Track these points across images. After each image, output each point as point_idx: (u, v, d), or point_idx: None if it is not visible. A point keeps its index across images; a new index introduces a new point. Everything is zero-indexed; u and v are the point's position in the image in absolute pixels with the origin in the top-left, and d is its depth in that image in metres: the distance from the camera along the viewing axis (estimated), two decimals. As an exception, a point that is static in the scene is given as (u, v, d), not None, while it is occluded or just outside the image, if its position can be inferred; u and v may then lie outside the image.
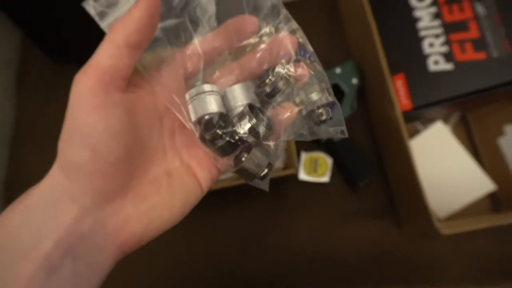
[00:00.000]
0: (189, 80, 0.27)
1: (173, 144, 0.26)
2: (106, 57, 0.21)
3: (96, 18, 0.25)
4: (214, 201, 0.61)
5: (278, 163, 0.55)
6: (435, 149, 0.60)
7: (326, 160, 0.62)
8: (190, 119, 0.25)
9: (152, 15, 0.22)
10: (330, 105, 0.27)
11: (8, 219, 0.21)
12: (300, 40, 0.27)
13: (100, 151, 0.21)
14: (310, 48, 0.27)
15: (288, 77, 0.26)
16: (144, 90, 0.25)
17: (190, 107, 0.25)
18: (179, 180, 0.25)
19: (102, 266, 0.22)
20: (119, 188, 0.22)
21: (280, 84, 0.26)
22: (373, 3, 0.57)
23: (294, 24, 0.27)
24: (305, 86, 0.27)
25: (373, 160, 0.64)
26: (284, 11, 0.27)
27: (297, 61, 0.27)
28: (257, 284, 0.61)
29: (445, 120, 0.64)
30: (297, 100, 0.27)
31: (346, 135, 0.27)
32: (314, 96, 0.26)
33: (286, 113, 0.26)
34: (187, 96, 0.25)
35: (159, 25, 0.25)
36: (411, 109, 0.55)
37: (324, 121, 0.27)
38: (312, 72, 0.27)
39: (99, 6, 0.25)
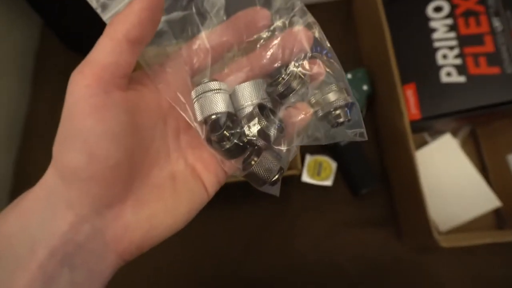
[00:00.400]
0: (195, 77, 0.25)
1: (177, 145, 0.25)
2: (104, 53, 0.20)
3: (98, 10, 0.23)
4: (216, 199, 0.61)
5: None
6: (442, 161, 0.59)
7: (330, 164, 0.62)
8: (195, 119, 0.23)
9: (154, 8, 0.20)
10: (349, 106, 0.25)
11: (2, 226, 0.20)
12: (317, 35, 0.25)
13: (98, 155, 0.19)
14: (327, 44, 0.25)
15: (302, 76, 0.24)
16: (147, 87, 0.23)
17: (196, 106, 0.23)
18: (184, 184, 0.23)
19: (101, 276, 0.21)
20: (118, 193, 0.21)
21: (294, 84, 0.24)
22: (389, 10, 0.57)
23: (310, 18, 0.25)
24: (322, 85, 0.25)
25: (378, 169, 0.63)
26: (299, 3, 0.25)
27: (312, 58, 0.25)
28: (256, 285, 0.61)
29: (454, 133, 0.64)
30: (313, 100, 0.25)
31: (366, 138, 0.25)
32: (331, 96, 0.24)
33: (300, 114, 0.24)
34: (193, 94, 0.23)
35: (164, 17, 0.24)
36: (420, 119, 0.54)
37: (342, 123, 0.25)
38: (329, 70, 0.25)
39: None
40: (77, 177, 0.19)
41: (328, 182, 0.61)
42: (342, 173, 0.63)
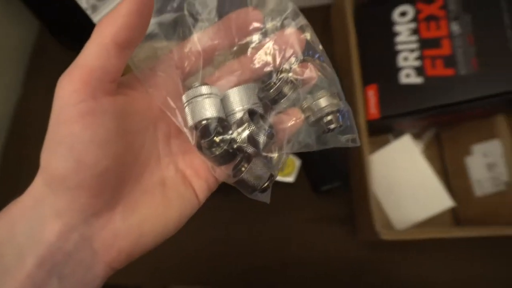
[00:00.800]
0: (186, 81, 0.24)
1: (168, 150, 0.24)
2: (92, 57, 0.19)
3: (88, 12, 0.24)
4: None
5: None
6: (400, 161, 0.60)
7: (293, 161, 0.63)
8: (186, 124, 0.23)
9: (143, 11, 0.19)
10: (341, 111, 0.25)
11: None
12: (309, 37, 0.24)
13: (86, 162, 0.19)
14: (320, 47, 0.25)
15: (294, 81, 0.24)
16: (137, 91, 0.23)
17: (186, 110, 0.23)
18: (174, 190, 0.23)
19: (91, 285, 0.20)
20: (107, 201, 0.21)
21: (286, 89, 0.24)
22: (358, 16, 0.59)
23: (303, 20, 0.24)
24: (313, 90, 0.24)
25: (343, 167, 0.64)
26: (291, 5, 0.24)
27: (304, 62, 0.24)
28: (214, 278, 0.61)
29: (419, 136, 0.65)
30: (304, 105, 0.24)
31: (358, 144, 0.25)
32: (323, 101, 0.24)
33: (291, 120, 0.24)
34: (183, 99, 0.23)
35: (155, 19, 0.24)
36: (379, 118, 0.56)
37: (333, 129, 0.24)
38: (321, 74, 0.24)
39: None
40: (65, 185, 0.19)
41: (290, 179, 0.62)
42: (305, 171, 0.64)
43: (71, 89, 0.19)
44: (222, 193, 0.62)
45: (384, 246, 0.57)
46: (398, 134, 0.64)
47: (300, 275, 0.61)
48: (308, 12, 0.78)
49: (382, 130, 0.62)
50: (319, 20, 0.75)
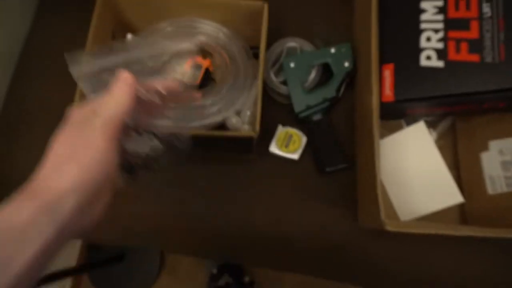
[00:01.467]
0: None
1: None
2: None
3: (78, 82, 0.34)
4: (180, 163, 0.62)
5: (245, 129, 0.55)
6: (412, 149, 0.57)
7: (300, 138, 0.61)
8: None
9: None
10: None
11: None
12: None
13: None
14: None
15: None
16: None
17: None
18: None
19: None
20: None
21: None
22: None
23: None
24: None
25: (349, 149, 0.62)
26: None
27: None
28: (211, 242, 0.62)
29: (433, 125, 0.61)
30: None
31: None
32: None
33: None
34: None
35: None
36: (393, 101, 0.53)
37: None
38: None
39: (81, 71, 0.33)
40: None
41: (295, 156, 0.61)
42: (311, 149, 0.62)
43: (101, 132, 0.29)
44: (219, 164, 0.62)
45: (384, 234, 0.56)
46: (411, 120, 0.61)
47: (295, 254, 0.60)
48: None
49: (395, 114, 0.59)
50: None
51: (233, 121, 0.54)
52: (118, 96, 0.30)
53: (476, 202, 0.55)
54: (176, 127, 0.48)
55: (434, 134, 0.60)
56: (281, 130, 0.62)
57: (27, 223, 0.24)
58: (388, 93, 0.53)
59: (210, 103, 0.52)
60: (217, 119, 0.52)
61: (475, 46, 0.49)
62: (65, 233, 0.26)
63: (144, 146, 0.36)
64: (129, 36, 0.59)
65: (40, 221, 0.24)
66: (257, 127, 0.50)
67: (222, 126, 0.56)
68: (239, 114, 0.56)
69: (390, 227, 0.45)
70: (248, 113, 0.55)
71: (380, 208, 0.46)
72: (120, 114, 0.30)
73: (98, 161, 0.28)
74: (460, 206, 0.57)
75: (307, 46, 0.64)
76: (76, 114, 0.30)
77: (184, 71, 0.57)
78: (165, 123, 0.48)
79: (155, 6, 0.57)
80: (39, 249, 0.24)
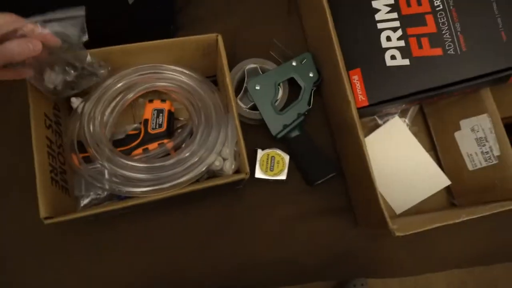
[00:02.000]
0: None
1: None
2: None
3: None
4: (169, 205, 0.58)
5: (229, 167, 0.53)
6: (392, 144, 0.59)
7: (283, 158, 0.60)
8: None
9: None
10: None
11: None
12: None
13: None
14: None
15: None
16: None
17: None
18: None
19: None
20: None
21: None
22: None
23: None
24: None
25: (332, 157, 0.62)
26: None
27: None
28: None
29: (403, 113, 0.63)
30: None
31: None
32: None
33: None
34: None
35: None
36: (367, 106, 0.53)
37: None
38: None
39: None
40: None
41: (282, 176, 0.60)
42: (296, 165, 0.61)
43: None
44: (209, 201, 0.59)
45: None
46: (383, 115, 0.62)
47: (299, 274, 0.60)
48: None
49: (368, 114, 0.60)
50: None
51: (216, 164, 0.52)
52: None
53: (459, 181, 0.58)
54: (157, 190, 0.45)
55: (407, 122, 0.62)
56: (262, 154, 0.60)
57: None
58: (361, 98, 0.53)
59: (189, 155, 0.49)
60: (201, 170, 0.49)
61: (436, 39, 0.50)
62: None
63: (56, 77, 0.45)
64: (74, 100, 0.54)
65: None
66: (246, 167, 0.48)
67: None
68: (219, 153, 0.54)
69: (398, 232, 0.46)
70: (228, 150, 0.53)
71: (387, 218, 0.46)
72: None
73: None
74: (446, 187, 0.60)
75: (267, 64, 0.62)
76: None
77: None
78: (144, 189, 0.45)
79: (115, 58, 0.52)
80: None
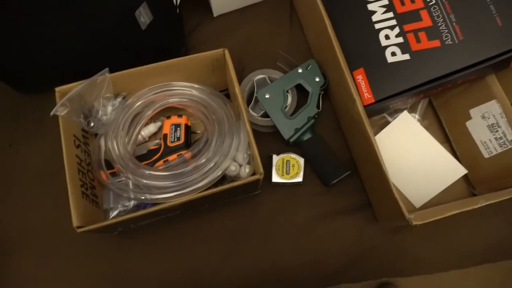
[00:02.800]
0: None
1: None
2: None
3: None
4: (190, 214, 0.61)
5: (244, 171, 0.55)
6: (404, 139, 0.60)
7: (298, 161, 0.62)
8: None
9: None
10: None
11: None
12: None
13: None
14: None
15: None
16: None
17: None
18: None
19: None
20: None
21: None
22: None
23: None
24: None
25: (345, 156, 0.64)
26: None
27: None
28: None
29: (413, 108, 0.64)
30: None
31: None
32: None
33: None
34: None
35: None
36: (374, 102, 0.55)
37: None
38: None
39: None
40: None
41: (299, 179, 0.61)
42: (311, 167, 0.63)
43: None
44: (230, 208, 0.62)
45: (407, 228, 0.58)
46: (392, 112, 0.63)
47: (323, 275, 0.60)
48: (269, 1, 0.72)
49: (378, 111, 0.61)
50: (284, 6, 0.73)
51: (232, 168, 0.54)
52: None
53: (477, 169, 0.58)
54: (178, 195, 0.48)
55: (417, 117, 0.63)
56: (277, 159, 0.62)
57: None
58: (367, 96, 0.55)
59: (205, 161, 0.52)
60: (217, 174, 0.52)
61: (432, 32, 0.52)
62: None
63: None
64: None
65: None
66: (260, 167, 0.51)
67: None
68: (235, 159, 0.56)
69: (416, 221, 0.47)
70: (245, 155, 0.56)
71: (403, 209, 0.47)
72: None
73: None
74: (464, 177, 0.60)
75: (275, 74, 0.65)
76: None
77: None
78: (166, 195, 0.49)
79: (132, 80, 0.57)
80: None
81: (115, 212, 0.58)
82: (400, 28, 0.54)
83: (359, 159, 0.60)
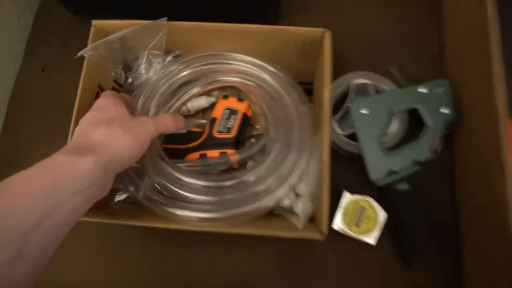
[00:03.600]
0: None
1: None
2: None
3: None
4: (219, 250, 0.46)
5: (301, 210, 0.38)
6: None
7: (377, 213, 0.43)
8: None
9: None
10: None
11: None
12: None
13: None
14: None
15: None
16: None
17: None
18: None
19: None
20: None
21: None
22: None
23: None
24: None
25: (445, 231, 0.44)
26: None
27: None
28: None
29: None
30: None
31: None
32: None
33: None
34: None
35: None
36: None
37: None
38: None
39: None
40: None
41: (370, 240, 0.43)
42: (392, 229, 0.44)
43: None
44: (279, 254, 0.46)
45: None
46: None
47: None
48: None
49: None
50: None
51: (286, 202, 0.38)
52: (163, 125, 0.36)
53: None
54: (216, 218, 0.33)
55: None
56: (349, 200, 0.44)
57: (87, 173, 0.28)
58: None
59: (255, 180, 0.36)
60: (268, 203, 0.35)
61: None
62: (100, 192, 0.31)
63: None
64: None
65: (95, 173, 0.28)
66: (325, 223, 0.33)
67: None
68: (293, 187, 0.39)
69: None
70: (305, 187, 0.38)
71: None
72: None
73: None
74: None
75: (384, 84, 0.47)
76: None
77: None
78: (204, 215, 0.33)
79: (190, 38, 0.43)
80: (89, 194, 0.28)
81: (123, 196, 0.45)
82: None
83: (475, 245, 0.40)
